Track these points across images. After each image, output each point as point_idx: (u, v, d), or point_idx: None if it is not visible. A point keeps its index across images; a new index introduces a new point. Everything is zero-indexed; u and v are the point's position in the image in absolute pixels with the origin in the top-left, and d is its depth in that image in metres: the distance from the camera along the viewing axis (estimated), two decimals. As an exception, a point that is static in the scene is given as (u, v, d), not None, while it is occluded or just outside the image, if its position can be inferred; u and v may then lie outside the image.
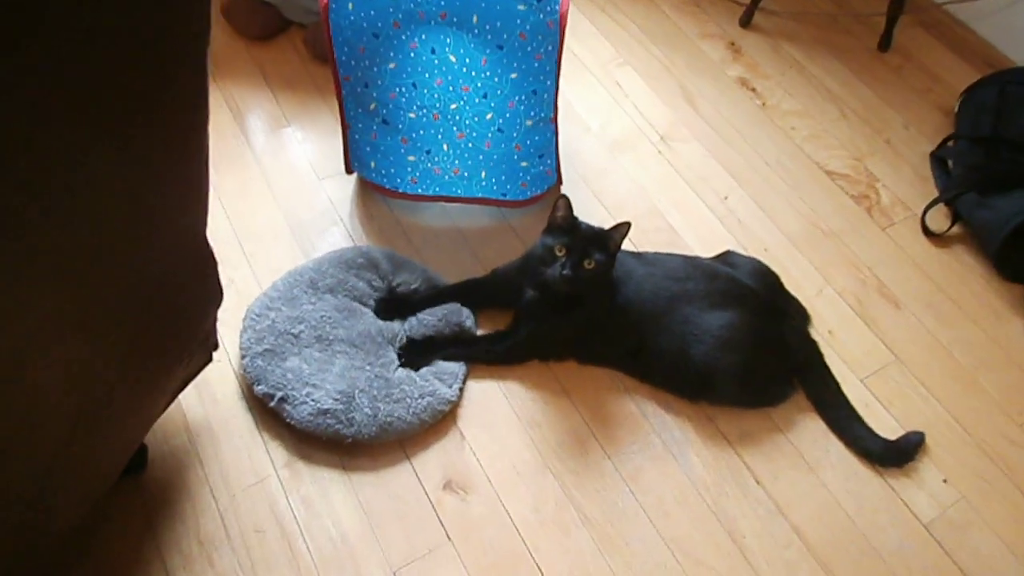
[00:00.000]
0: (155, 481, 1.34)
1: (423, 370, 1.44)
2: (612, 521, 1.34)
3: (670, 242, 1.69)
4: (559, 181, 1.70)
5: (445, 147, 1.57)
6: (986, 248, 1.68)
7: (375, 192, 1.71)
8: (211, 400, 1.43)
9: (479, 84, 1.46)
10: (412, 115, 1.53)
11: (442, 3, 1.35)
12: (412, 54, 1.44)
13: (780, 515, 1.36)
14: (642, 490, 1.37)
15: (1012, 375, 1.54)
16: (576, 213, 1.42)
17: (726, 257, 1.60)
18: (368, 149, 1.61)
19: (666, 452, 1.42)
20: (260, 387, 1.38)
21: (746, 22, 2.13)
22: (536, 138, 1.55)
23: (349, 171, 1.69)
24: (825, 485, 1.39)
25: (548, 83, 1.46)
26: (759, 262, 1.60)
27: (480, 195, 1.65)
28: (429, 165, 1.60)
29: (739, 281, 1.49)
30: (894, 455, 1.42)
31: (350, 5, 1.38)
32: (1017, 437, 1.46)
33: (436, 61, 1.44)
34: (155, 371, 1.09)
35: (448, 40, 1.41)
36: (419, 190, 1.65)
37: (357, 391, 1.38)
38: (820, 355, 1.51)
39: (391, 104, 1.52)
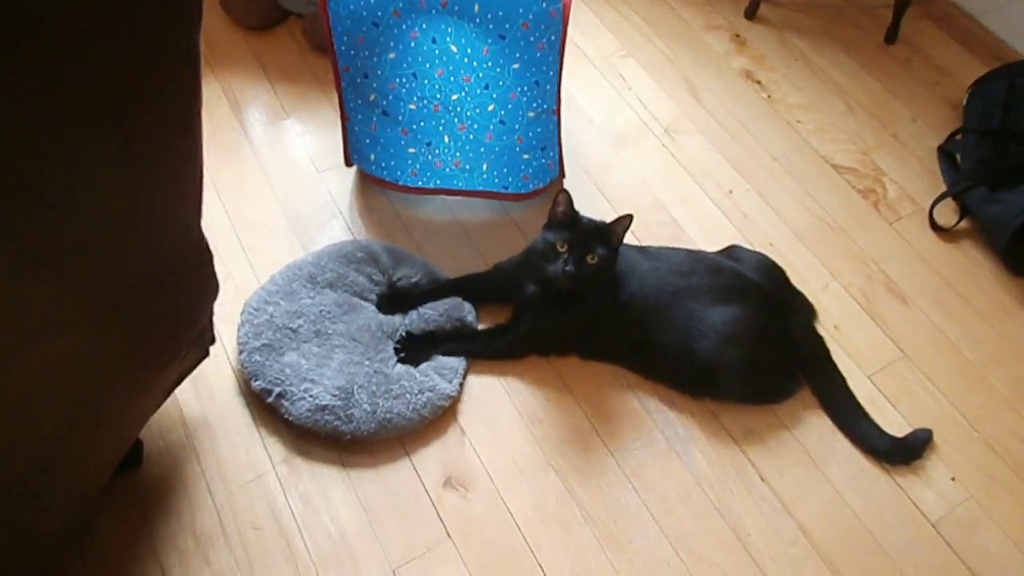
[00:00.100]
0: (151, 477, 1.32)
1: (423, 365, 1.42)
2: (615, 518, 1.32)
3: (674, 236, 1.67)
4: (561, 174, 1.68)
5: (446, 139, 1.55)
6: (995, 243, 1.66)
7: (375, 185, 1.69)
8: (208, 395, 1.41)
9: (481, 74, 1.44)
10: (412, 106, 1.50)
11: (443, -9, 1.33)
12: (412, 44, 1.41)
13: (785, 513, 1.34)
14: (645, 487, 1.35)
15: (1021, 371, 1.52)
16: (578, 207, 1.40)
17: (731, 251, 1.57)
18: (368, 141, 1.58)
19: (669, 449, 1.40)
20: (257, 382, 1.37)
21: (751, 14, 2.10)
22: (538, 130, 1.53)
23: (348, 163, 1.67)
24: (831, 482, 1.37)
25: (551, 73, 1.44)
26: (764, 256, 1.58)
27: (481, 188, 1.62)
28: (430, 157, 1.58)
29: (744, 276, 1.47)
30: (901, 452, 1.40)
31: (349, -7, 1.36)
32: (1026, 434, 1.44)
33: (437, 51, 1.42)
34: (150, 366, 1.08)
35: (449, 29, 1.39)
36: (419, 183, 1.63)
37: (356, 387, 1.36)
38: (826, 351, 1.49)
39: (391, 95, 1.49)
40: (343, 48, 1.44)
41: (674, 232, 1.68)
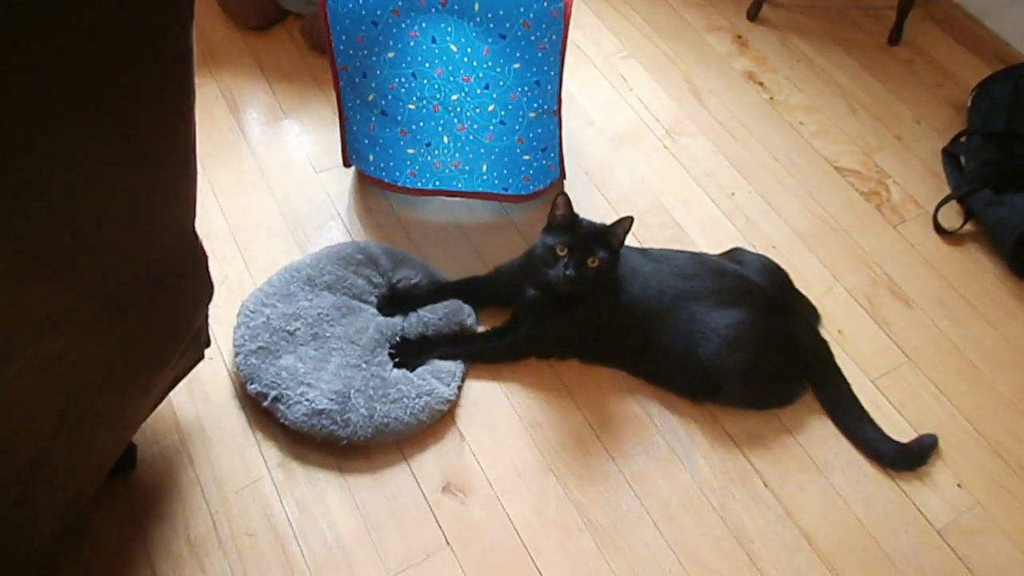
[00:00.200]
0: (144, 482, 1.30)
1: (420, 369, 1.40)
2: (615, 524, 1.30)
3: (676, 239, 1.65)
4: (562, 175, 1.66)
5: (445, 140, 1.53)
6: (1000, 246, 1.64)
7: (373, 186, 1.67)
8: (203, 399, 1.39)
9: (481, 74, 1.42)
10: (411, 106, 1.49)
11: (443, -10, 1.31)
12: (412, 43, 1.40)
13: (789, 519, 1.32)
14: (646, 493, 1.34)
15: (1027, 376, 1.50)
16: (579, 209, 1.38)
17: (734, 254, 1.56)
18: (366, 141, 1.57)
19: (671, 454, 1.38)
20: (253, 386, 1.35)
21: (753, 15, 2.09)
22: (539, 131, 1.51)
23: (347, 164, 1.65)
24: (835, 488, 1.35)
25: (552, 74, 1.42)
26: (768, 259, 1.56)
27: (481, 189, 1.61)
28: (429, 158, 1.56)
29: (747, 279, 1.45)
30: (906, 458, 1.38)
31: (348, -8, 1.34)
32: (1033, 440, 1.43)
33: (436, 50, 1.40)
34: (144, 369, 1.07)
35: (449, 29, 1.37)
36: (419, 184, 1.61)
37: (353, 391, 1.34)
38: (830, 355, 1.47)
39: (390, 95, 1.48)
40: (341, 47, 1.42)
41: (676, 234, 1.66)
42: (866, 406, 1.42)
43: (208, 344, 1.25)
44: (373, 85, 1.47)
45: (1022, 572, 1.29)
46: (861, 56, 2.02)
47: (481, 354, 1.45)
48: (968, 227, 1.70)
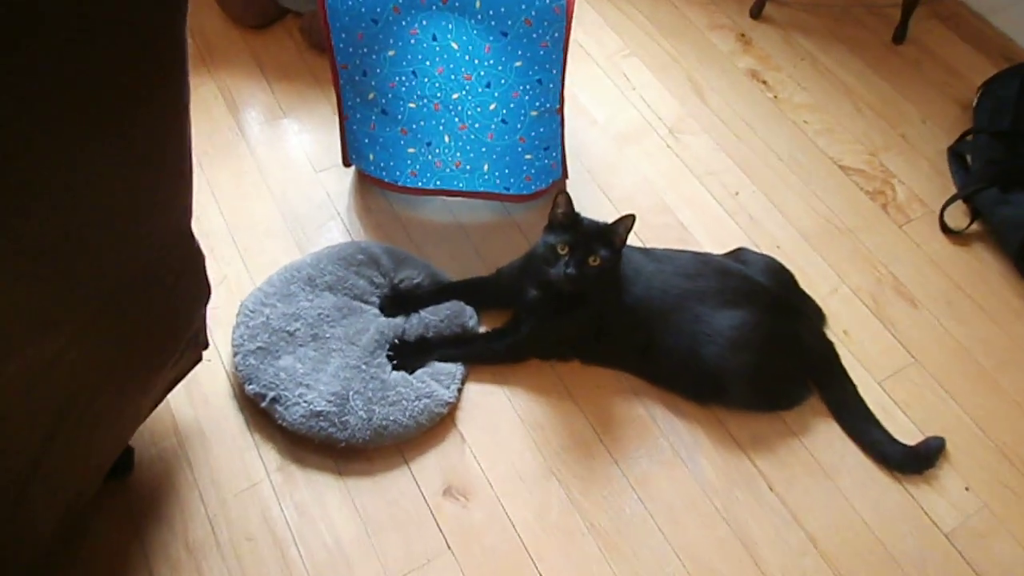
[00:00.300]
0: (142, 485, 1.29)
1: (419, 371, 1.39)
2: (619, 528, 1.29)
3: (679, 239, 1.63)
4: (564, 175, 1.64)
5: (446, 139, 1.51)
6: (1007, 245, 1.63)
7: (374, 186, 1.66)
8: (202, 401, 1.38)
9: (482, 73, 1.40)
10: (412, 105, 1.47)
11: (444, -13, 1.30)
12: (412, 41, 1.38)
13: (794, 523, 1.30)
14: (650, 496, 1.32)
15: (1035, 377, 1.48)
16: (581, 209, 1.37)
17: (738, 254, 1.54)
18: (366, 141, 1.55)
19: (675, 457, 1.36)
20: (251, 386, 1.33)
21: (757, 13, 2.07)
22: (541, 129, 1.49)
23: (347, 163, 1.63)
24: (842, 492, 1.34)
25: (554, 72, 1.41)
26: (772, 259, 1.55)
27: (483, 189, 1.59)
28: (430, 157, 1.55)
29: (752, 279, 1.44)
30: (913, 461, 1.36)
31: (348, -11, 1.33)
32: (1041, 442, 1.41)
33: (437, 48, 1.39)
34: (143, 369, 1.07)
35: (450, 26, 1.36)
36: (419, 183, 1.59)
37: (352, 393, 1.32)
38: (836, 356, 1.46)
39: (390, 93, 1.46)
40: (341, 45, 1.41)
41: (679, 234, 1.65)
42: (872, 408, 1.41)
43: (206, 345, 1.23)
44: (373, 83, 1.45)
45: (1031, 577, 1.27)
46: (866, 54, 2.00)
47: (482, 356, 1.44)
48: (974, 227, 1.68)
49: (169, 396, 1.25)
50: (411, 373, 1.38)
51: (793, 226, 1.68)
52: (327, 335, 1.39)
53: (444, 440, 1.36)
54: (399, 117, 1.49)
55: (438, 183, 1.59)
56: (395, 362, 1.39)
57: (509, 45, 1.36)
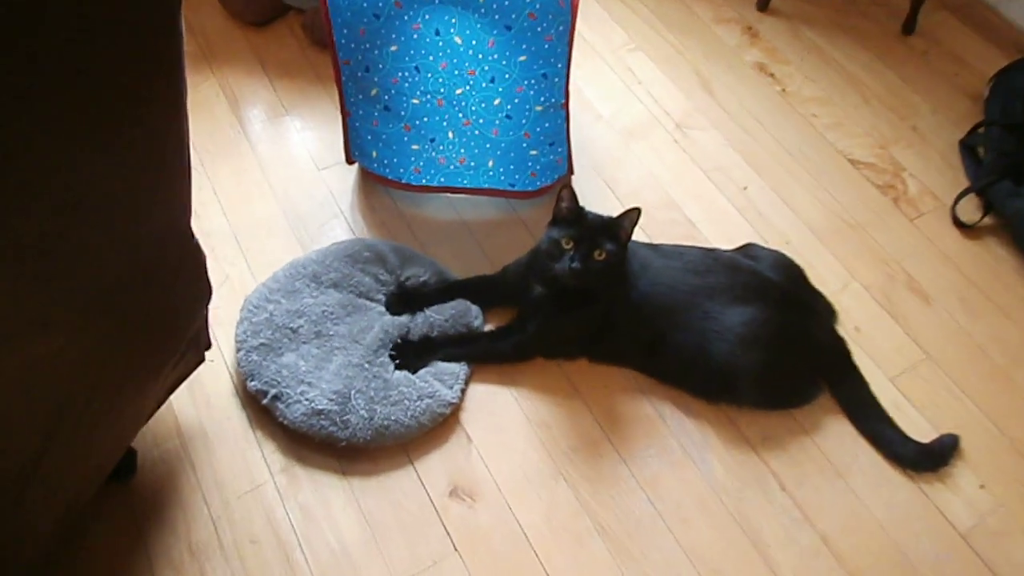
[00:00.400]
0: (145, 487, 1.28)
1: (423, 371, 1.37)
2: (628, 530, 1.27)
3: (687, 235, 1.61)
4: (570, 171, 1.62)
5: (450, 135, 1.49)
6: (1020, 239, 1.60)
7: (377, 183, 1.64)
8: (204, 402, 1.36)
9: (486, 67, 1.38)
10: (415, 101, 1.45)
11: (446, -20, 1.28)
12: (415, 36, 1.36)
13: (807, 523, 1.28)
14: (660, 497, 1.30)
15: (1050, 373, 1.46)
16: (588, 204, 1.35)
17: (747, 250, 1.52)
18: (369, 137, 1.53)
19: (685, 456, 1.34)
20: (253, 383, 1.32)
21: (763, 6, 2.05)
22: (546, 125, 1.47)
23: (350, 161, 1.62)
24: (854, 491, 1.32)
25: (559, 66, 1.39)
26: (782, 255, 1.52)
27: (487, 185, 1.57)
28: (433, 154, 1.53)
29: (762, 275, 1.41)
30: (927, 459, 1.34)
31: (349, -17, 1.31)
32: (1057, 440, 1.38)
33: (440, 43, 1.37)
34: (143, 368, 1.06)
35: (453, 21, 1.34)
36: (423, 181, 1.58)
37: (354, 391, 1.31)
38: (848, 353, 1.43)
39: (393, 89, 1.44)
40: (343, 41, 1.39)
41: (687, 230, 1.62)
42: (885, 406, 1.39)
43: (209, 346, 1.22)
44: (376, 79, 1.43)
45: (1049, 577, 1.25)
46: (875, 46, 1.98)
47: (486, 355, 1.42)
48: (987, 220, 1.65)
49: (172, 398, 1.24)
50: (414, 373, 1.37)
51: (803, 221, 1.65)
52: (331, 332, 1.38)
53: (450, 440, 1.34)
54: (402, 113, 1.48)
55: (442, 180, 1.57)
56: (397, 361, 1.38)
57: (513, 39, 1.34)
